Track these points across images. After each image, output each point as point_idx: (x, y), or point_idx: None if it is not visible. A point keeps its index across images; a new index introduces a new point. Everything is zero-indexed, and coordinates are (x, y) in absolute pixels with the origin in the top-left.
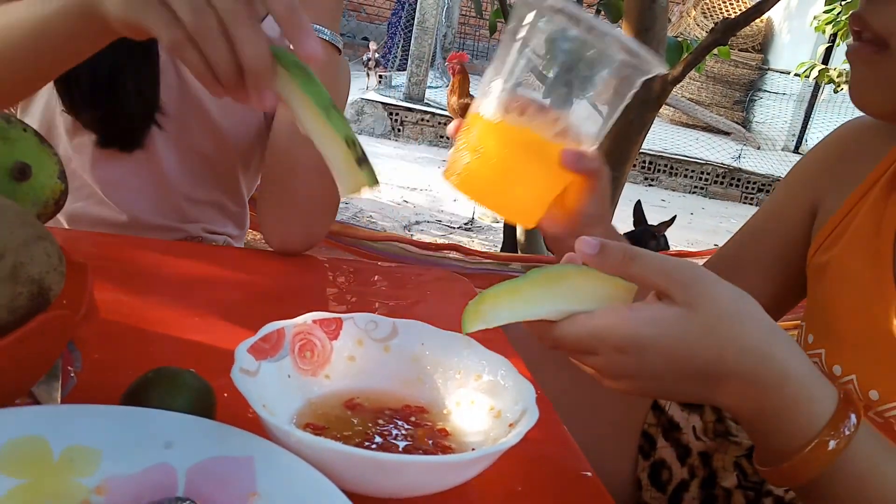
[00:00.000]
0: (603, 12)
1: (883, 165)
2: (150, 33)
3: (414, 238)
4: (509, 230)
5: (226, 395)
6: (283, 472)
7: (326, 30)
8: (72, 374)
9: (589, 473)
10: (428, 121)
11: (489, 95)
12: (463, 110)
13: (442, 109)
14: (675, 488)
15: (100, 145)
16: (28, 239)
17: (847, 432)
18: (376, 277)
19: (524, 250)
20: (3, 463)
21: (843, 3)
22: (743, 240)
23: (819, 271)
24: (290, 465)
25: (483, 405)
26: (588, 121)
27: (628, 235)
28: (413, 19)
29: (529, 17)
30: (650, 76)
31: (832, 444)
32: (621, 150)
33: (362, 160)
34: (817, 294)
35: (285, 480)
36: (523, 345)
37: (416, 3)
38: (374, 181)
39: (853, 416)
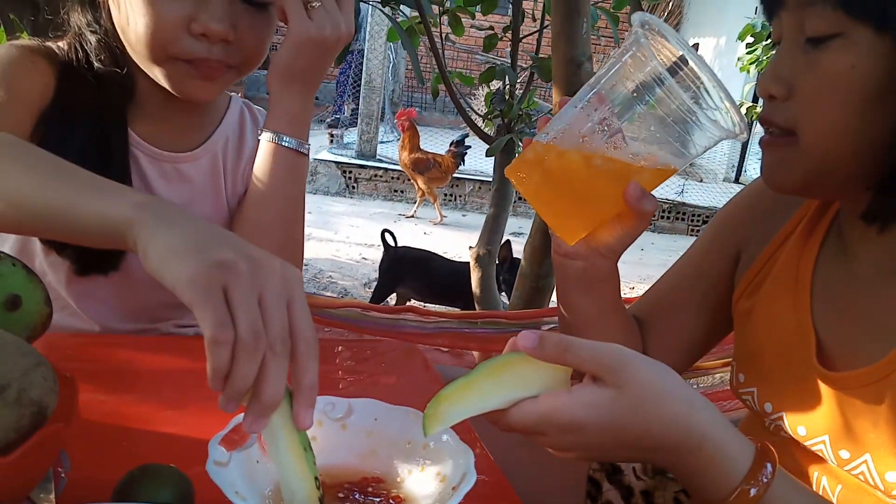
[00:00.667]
0: (535, 73)
1: (798, 216)
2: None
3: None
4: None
5: (203, 481)
6: None
7: (293, 139)
8: (62, 475)
9: None
10: (381, 176)
11: (584, 111)
12: (414, 164)
13: (394, 164)
14: None
15: (76, 273)
16: (29, 368)
17: (765, 480)
18: (339, 349)
19: (480, 303)
20: None
21: (763, 44)
22: (674, 281)
23: (744, 316)
24: None
25: (431, 471)
26: (669, 158)
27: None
28: (360, 78)
29: (652, 62)
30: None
31: (752, 491)
32: None
33: (321, 498)
34: (745, 337)
35: None
36: None
37: (362, 63)
38: None
39: (769, 466)
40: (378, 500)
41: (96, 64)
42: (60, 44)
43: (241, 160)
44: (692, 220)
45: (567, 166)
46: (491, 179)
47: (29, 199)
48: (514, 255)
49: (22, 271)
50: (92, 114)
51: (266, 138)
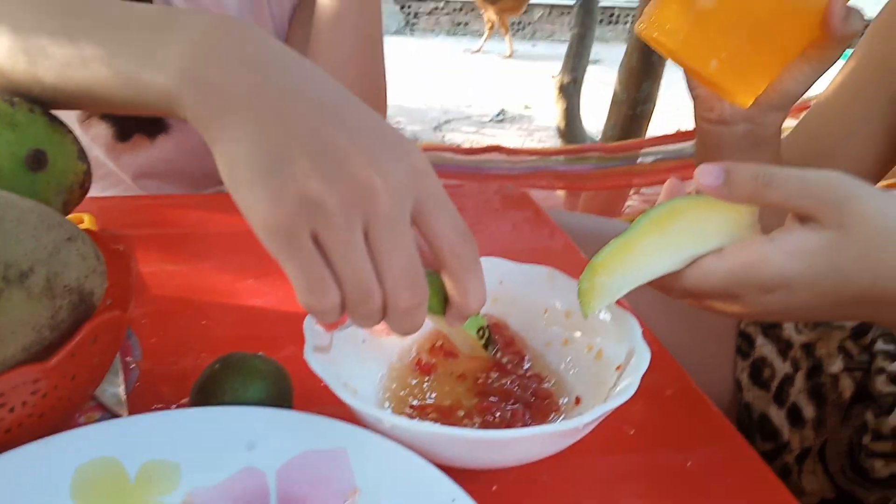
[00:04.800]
0: None
1: None
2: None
3: (446, 139)
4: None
5: (297, 368)
6: (381, 462)
7: None
8: (132, 366)
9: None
10: (442, 8)
11: None
12: None
13: None
14: (779, 384)
15: (118, 139)
16: (58, 244)
17: None
18: None
19: (564, 137)
20: (77, 492)
21: None
22: (843, 99)
23: None
24: (388, 453)
25: (579, 344)
26: None
27: None
28: None
29: None
30: None
31: None
32: None
33: (488, 343)
34: None
35: (386, 471)
36: None
37: None
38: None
39: None
40: (511, 380)
41: None
42: None
43: None
44: None
45: (729, 7)
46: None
47: (45, 68)
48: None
49: (43, 119)
50: None
51: None
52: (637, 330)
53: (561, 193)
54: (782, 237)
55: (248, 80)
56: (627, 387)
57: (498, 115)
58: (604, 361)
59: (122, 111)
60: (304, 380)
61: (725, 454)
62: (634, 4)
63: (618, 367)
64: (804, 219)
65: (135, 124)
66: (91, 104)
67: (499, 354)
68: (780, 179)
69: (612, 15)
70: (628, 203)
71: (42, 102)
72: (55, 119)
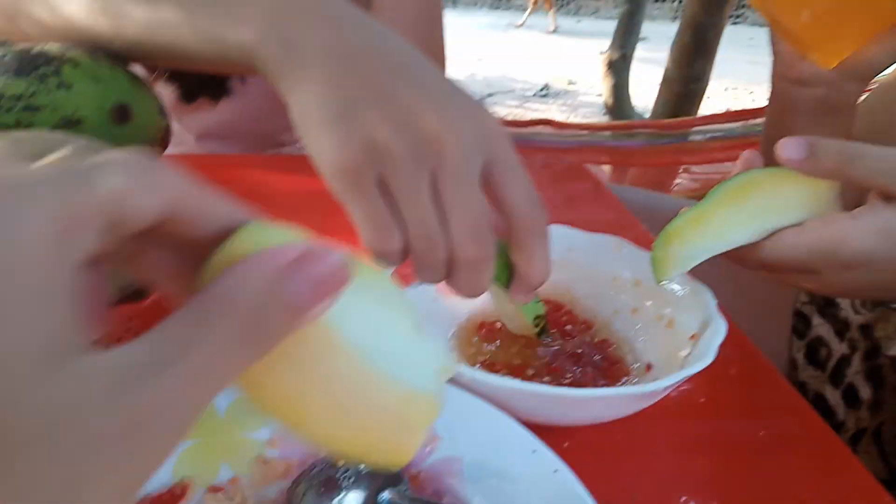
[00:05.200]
0: None
1: None
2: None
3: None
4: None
5: None
6: (461, 411)
7: None
8: None
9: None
10: None
11: None
12: None
13: None
14: (836, 364)
15: (183, 100)
16: None
17: None
18: None
19: (612, 114)
20: None
21: None
22: None
23: None
24: (466, 403)
25: (649, 314)
26: None
27: None
28: None
29: None
30: None
31: None
32: None
33: (542, 332)
34: None
35: (465, 420)
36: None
37: None
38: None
39: None
40: (579, 344)
41: None
42: None
43: None
44: None
45: None
46: None
47: (121, 20)
48: None
49: (126, 75)
50: None
51: None
52: (712, 301)
53: (607, 169)
54: (865, 215)
55: (326, 35)
56: (703, 354)
57: (542, 89)
58: (676, 330)
59: (199, 67)
60: None
61: (798, 426)
62: None
63: (691, 337)
64: (889, 197)
65: (200, 87)
66: (170, 60)
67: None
68: (865, 156)
69: None
70: (676, 181)
71: (122, 58)
72: (136, 76)
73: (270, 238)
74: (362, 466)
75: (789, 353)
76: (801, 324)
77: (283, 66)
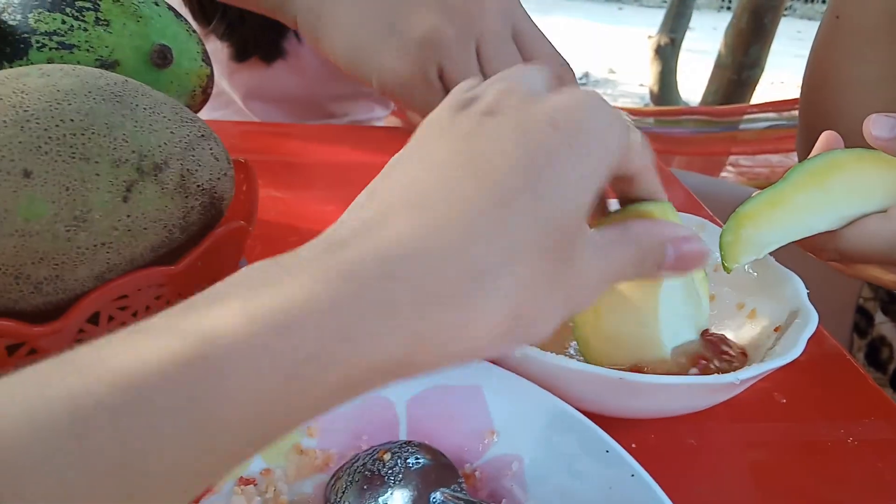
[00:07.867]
0: None
1: None
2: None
3: None
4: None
5: None
6: (519, 403)
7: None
8: None
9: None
10: None
11: None
12: None
13: None
14: None
15: (235, 59)
16: (192, 140)
17: None
18: None
19: (656, 101)
20: None
21: None
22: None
23: None
24: (525, 393)
25: (727, 301)
26: None
27: None
28: None
29: None
30: None
31: None
32: None
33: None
34: None
35: (524, 414)
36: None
37: None
38: None
39: None
40: None
41: None
42: None
43: None
44: None
45: None
46: None
47: None
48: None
49: (170, 14)
50: None
51: None
52: (803, 291)
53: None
54: None
55: None
56: (790, 348)
57: (581, 78)
58: (758, 321)
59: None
60: None
61: (891, 432)
62: None
63: (776, 329)
64: None
65: (254, 46)
66: None
67: None
68: None
69: None
70: (722, 174)
71: None
72: (179, 15)
73: (673, 217)
74: (411, 462)
75: (849, 352)
76: (863, 321)
77: (315, 7)
